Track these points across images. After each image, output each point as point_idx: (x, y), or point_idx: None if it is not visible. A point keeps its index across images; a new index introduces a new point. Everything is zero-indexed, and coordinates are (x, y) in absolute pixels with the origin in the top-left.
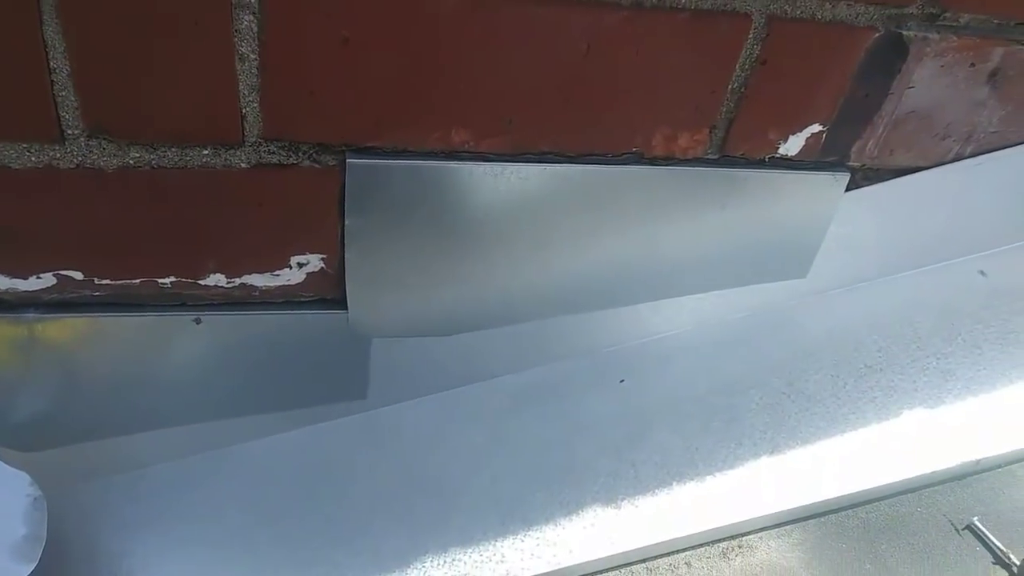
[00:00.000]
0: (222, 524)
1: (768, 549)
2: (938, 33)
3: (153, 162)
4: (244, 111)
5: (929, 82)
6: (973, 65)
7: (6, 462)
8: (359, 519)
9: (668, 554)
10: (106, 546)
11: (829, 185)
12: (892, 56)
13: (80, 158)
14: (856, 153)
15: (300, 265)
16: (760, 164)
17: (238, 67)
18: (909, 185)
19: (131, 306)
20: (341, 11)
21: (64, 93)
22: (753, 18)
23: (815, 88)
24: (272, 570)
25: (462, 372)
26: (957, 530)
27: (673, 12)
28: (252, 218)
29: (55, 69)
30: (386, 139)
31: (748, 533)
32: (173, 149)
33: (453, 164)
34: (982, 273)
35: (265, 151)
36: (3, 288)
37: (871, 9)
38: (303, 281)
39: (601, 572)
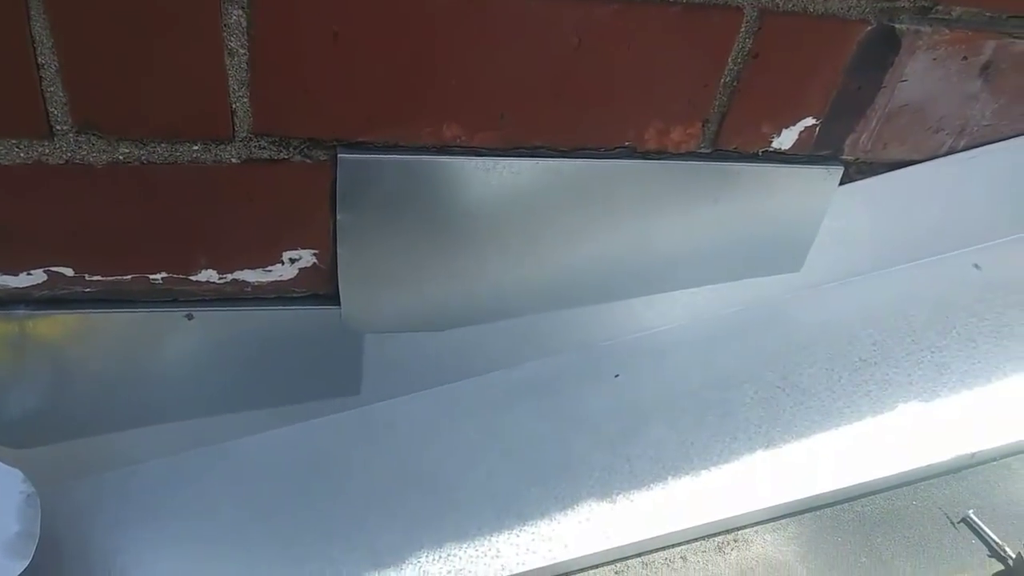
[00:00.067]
0: (216, 520)
1: (763, 543)
2: (930, 26)
3: (143, 158)
4: (234, 106)
5: (922, 75)
6: (965, 58)
7: None
8: (353, 515)
9: (663, 548)
10: (99, 543)
11: (823, 179)
12: (884, 49)
13: (69, 154)
14: (849, 147)
15: (292, 261)
16: (753, 158)
17: (227, 62)
18: (903, 179)
19: (122, 302)
20: (331, 5)
21: (52, 89)
22: (745, 11)
23: (808, 81)
24: (266, 566)
25: (456, 367)
26: (952, 523)
27: (665, 5)
28: (243, 214)
29: (43, 65)
30: (377, 134)
31: (743, 527)
32: (163, 145)
33: (445, 159)
34: (976, 266)
35: (256, 146)
36: None
37: (863, 2)
38: (295, 277)
39: (596, 567)
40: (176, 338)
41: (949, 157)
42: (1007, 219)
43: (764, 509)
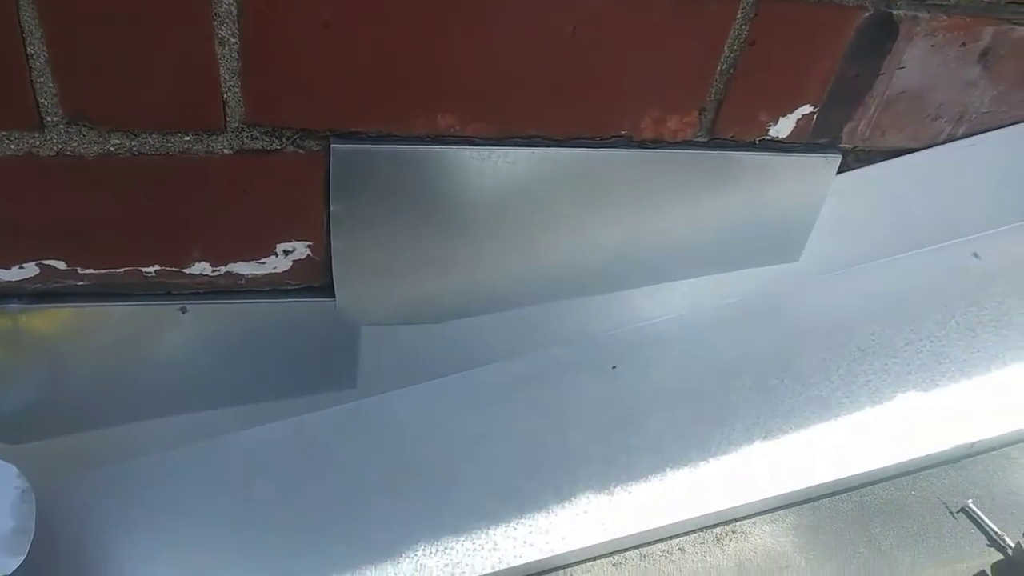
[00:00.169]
0: (211, 515)
1: (762, 534)
2: (928, 12)
3: (134, 149)
4: (225, 96)
5: (920, 62)
6: (964, 44)
7: None
8: (350, 509)
9: (662, 540)
10: (95, 538)
11: (821, 167)
12: (882, 36)
13: (60, 145)
14: (847, 135)
15: (286, 253)
16: (751, 146)
17: (218, 51)
18: (901, 167)
19: (116, 296)
20: None
21: (42, 79)
22: None
23: (805, 69)
24: (263, 560)
25: (452, 359)
26: (952, 513)
27: None
28: (236, 205)
29: (32, 55)
30: (370, 124)
31: (742, 518)
32: (154, 135)
33: (439, 148)
34: (975, 255)
35: (248, 137)
36: None
37: None
38: (289, 269)
39: (594, 559)
40: (170, 331)
41: (948, 145)
42: (1007, 207)
43: (762, 500)
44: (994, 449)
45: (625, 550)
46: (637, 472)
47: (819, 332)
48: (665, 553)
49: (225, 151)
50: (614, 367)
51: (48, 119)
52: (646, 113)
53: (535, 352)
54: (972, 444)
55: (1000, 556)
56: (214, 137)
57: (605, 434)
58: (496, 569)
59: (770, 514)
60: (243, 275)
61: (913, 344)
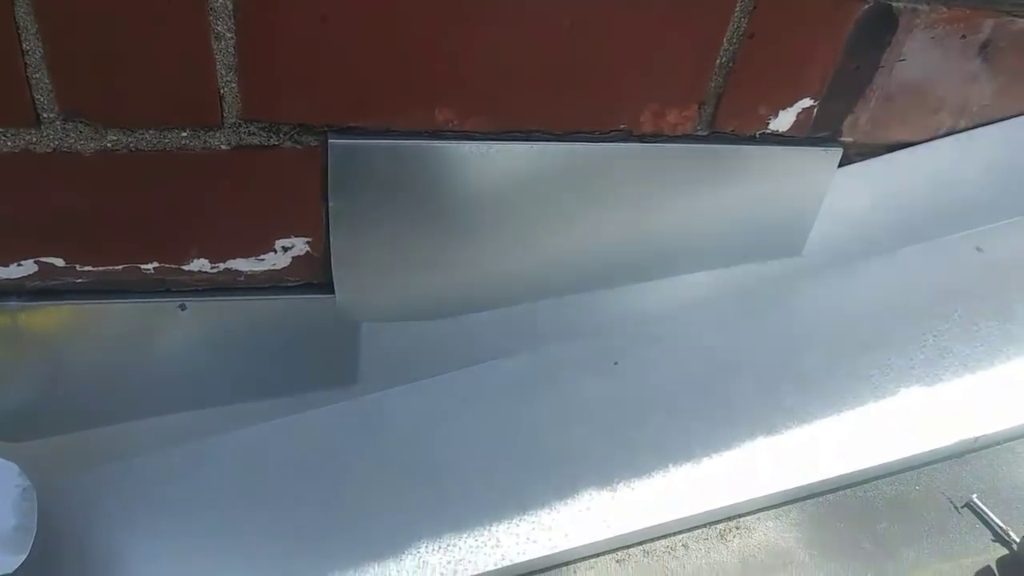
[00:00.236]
0: (212, 513)
1: (766, 530)
2: (928, 4)
3: (131, 145)
4: (222, 91)
5: (920, 55)
6: (964, 37)
7: None
8: (352, 506)
9: (665, 536)
10: (96, 536)
11: (822, 161)
12: (882, 28)
13: (57, 142)
14: (848, 128)
15: (285, 249)
16: (751, 140)
17: (214, 46)
18: (903, 160)
19: (115, 293)
20: None
21: (38, 76)
22: None
23: (804, 62)
24: (264, 558)
25: (453, 356)
26: (956, 508)
27: None
28: (234, 201)
29: (28, 51)
30: (368, 119)
31: (745, 514)
32: (151, 131)
33: (438, 143)
34: (978, 249)
35: (245, 132)
36: None
37: None
38: (289, 265)
39: (598, 556)
40: (170, 329)
41: (949, 138)
42: (1009, 201)
43: (766, 496)
44: (998, 444)
45: (628, 547)
46: (640, 468)
47: (821, 327)
48: (668, 549)
49: (222, 147)
50: (616, 363)
51: (44, 116)
52: (645, 107)
53: (536, 348)
54: (976, 439)
55: (1005, 551)
56: (211, 133)
57: (607, 430)
58: (499, 566)
59: (774, 510)
60: (242, 272)
61: (916, 339)
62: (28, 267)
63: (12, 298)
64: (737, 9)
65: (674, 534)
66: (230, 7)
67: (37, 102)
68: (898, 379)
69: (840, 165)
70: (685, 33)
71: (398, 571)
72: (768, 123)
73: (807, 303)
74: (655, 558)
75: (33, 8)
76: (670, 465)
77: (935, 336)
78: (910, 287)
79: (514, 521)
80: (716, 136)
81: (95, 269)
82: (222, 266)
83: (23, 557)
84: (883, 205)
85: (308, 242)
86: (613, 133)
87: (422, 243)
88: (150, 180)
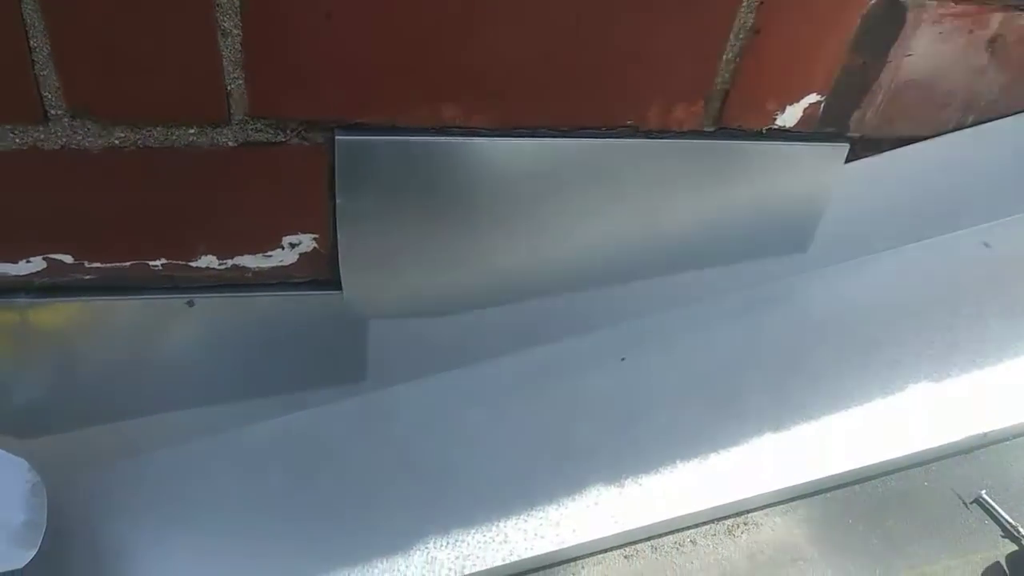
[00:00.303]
0: (221, 508)
1: (774, 525)
2: None
3: (139, 142)
4: (229, 88)
5: (927, 50)
6: (972, 32)
7: (4, 448)
8: (360, 502)
9: (673, 532)
10: (107, 532)
11: (828, 156)
12: (889, 23)
13: (64, 139)
14: (855, 123)
15: (292, 246)
16: (758, 136)
17: (221, 43)
18: (910, 155)
19: (123, 289)
20: None
21: (45, 73)
22: None
23: (811, 57)
24: (273, 554)
25: (461, 352)
26: (965, 504)
27: None
28: (241, 198)
29: (35, 48)
30: (374, 115)
31: (753, 510)
32: (158, 128)
33: (444, 139)
34: (986, 244)
35: (252, 129)
36: None
37: None
38: (296, 262)
39: (605, 551)
40: (178, 325)
41: (957, 133)
42: (1017, 196)
43: (774, 492)
44: (1007, 439)
45: (636, 542)
46: (648, 464)
47: (829, 322)
48: (677, 545)
49: (230, 144)
50: (623, 359)
51: (52, 113)
52: (652, 103)
53: (544, 344)
54: (985, 434)
55: (1014, 547)
56: (218, 130)
57: (615, 426)
58: (507, 561)
59: (782, 506)
60: (250, 268)
61: (924, 334)
62: (37, 264)
63: (21, 295)
64: (743, 4)
65: (682, 530)
66: (236, 4)
67: (45, 99)
68: (906, 375)
69: (847, 161)
70: (691, 29)
71: (407, 566)
72: (775, 119)
73: (814, 299)
74: (663, 554)
75: (40, 5)
76: (678, 461)
77: (943, 331)
78: (918, 283)
79: (522, 517)
80: (723, 132)
81: (103, 266)
82: (230, 262)
83: (33, 552)
84: (890, 201)
85: (315, 238)
86: (619, 129)
87: (429, 239)
88: (158, 177)
